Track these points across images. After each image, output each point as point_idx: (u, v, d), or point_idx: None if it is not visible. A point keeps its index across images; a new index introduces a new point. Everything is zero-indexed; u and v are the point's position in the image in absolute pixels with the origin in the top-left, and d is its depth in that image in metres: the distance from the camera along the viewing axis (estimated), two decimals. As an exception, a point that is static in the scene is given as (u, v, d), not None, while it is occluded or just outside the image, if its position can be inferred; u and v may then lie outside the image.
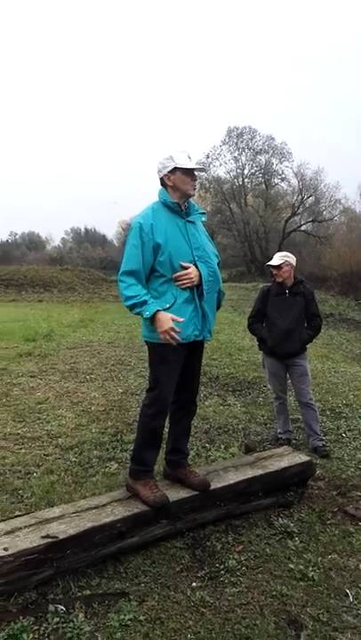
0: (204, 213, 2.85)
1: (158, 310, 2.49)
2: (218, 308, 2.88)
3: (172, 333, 2.46)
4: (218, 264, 2.81)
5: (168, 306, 2.56)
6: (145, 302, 2.51)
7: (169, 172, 2.64)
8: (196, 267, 2.61)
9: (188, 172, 2.65)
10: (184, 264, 2.58)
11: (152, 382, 2.73)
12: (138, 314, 2.56)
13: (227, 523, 2.77)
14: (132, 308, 2.56)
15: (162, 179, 2.69)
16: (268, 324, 4.13)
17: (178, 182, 2.64)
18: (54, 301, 19.05)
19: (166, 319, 2.47)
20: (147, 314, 2.49)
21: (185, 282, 2.58)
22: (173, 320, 2.47)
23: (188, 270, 2.59)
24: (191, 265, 2.60)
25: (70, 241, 56.29)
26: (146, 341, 2.75)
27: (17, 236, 53.97)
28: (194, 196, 2.77)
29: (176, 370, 2.68)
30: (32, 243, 53.78)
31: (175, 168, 2.62)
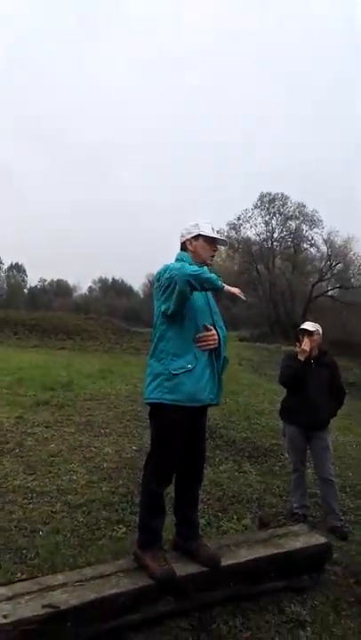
0: None
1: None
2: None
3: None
4: None
5: (190, 367, 2.52)
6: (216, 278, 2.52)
7: (192, 237, 2.74)
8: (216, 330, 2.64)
9: (211, 242, 2.75)
10: (208, 325, 2.60)
11: (156, 446, 2.66)
12: (206, 281, 2.47)
13: (235, 604, 2.63)
14: (198, 278, 2.44)
15: (183, 243, 2.79)
16: (293, 393, 4.08)
17: (199, 249, 2.73)
18: (76, 349, 19.23)
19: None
20: (219, 283, 2.51)
21: (209, 342, 2.58)
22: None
23: (212, 332, 2.60)
24: (212, 327, 2.62)
25: (97, 290, 57.47)
26: (151, 403, 2.60)
27: (46, 283, 55.46)
28: (211, 265, 2.77)
29: (183, 435, 2.62)
30: (60, 289, 55.08)
31: (199, 235, 2.73)
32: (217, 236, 2.80)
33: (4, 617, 1.97)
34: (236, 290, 2.63)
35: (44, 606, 2.07)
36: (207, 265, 2.76)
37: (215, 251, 2.79)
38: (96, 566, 2.58)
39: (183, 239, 2.79)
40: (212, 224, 2.81)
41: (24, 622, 1.98)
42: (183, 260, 2.71)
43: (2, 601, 2.09)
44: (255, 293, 37.35)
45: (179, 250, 2.82)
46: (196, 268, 2.50)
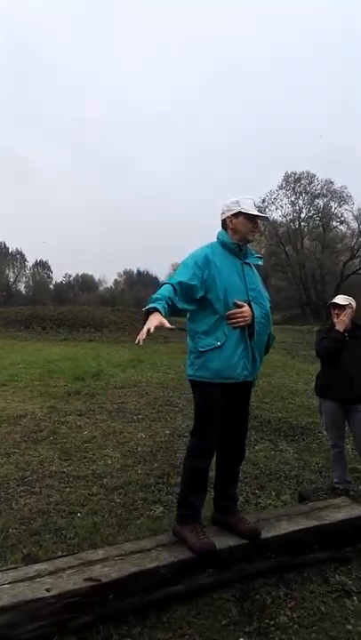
0: (260, 257, 2.87)
1: (157, 310, 2.31)
2: (266, 351, 2.81)
3: (144, 333, 2.25)
4: (270, 308, 2.77)
5: (219, 344, 2.54)
6: (157, 300, 2.37)
7: (233, 214, 2.69)
8: (250, 307, 2.59)
9: (251, 219, 2.70)
10: (238, 302, 2.56)
11: (196, 423, 2.67)
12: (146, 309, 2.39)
13: (278, 575, 2.58)
14: (145, 305, 2.39)
15: (224, 220, 2.74)
16: (328, 367, 3.97)
17: (239, 226, 2.68)
18: (104, 341, 19.33)
19: (156, 318, 2.28)
20: (147, 307, 2.34)
21: (238, 320, 2.55)
22: (161, 326, 2.28)
23: (243, 309, 2.56)
24: (245, 304, 2.58)
25: (123, 283, 57.62)
26: (190, 380, 2.70)
27: (71, 278, 55.70)
28: (252, 241, 2.80)
29: (221, 411, 2.61)
30: (85, 284, 55.41)
31: (240, 212, 2.67)
32: (258, 213, 2.75)
33: (47, 590, 1.98)
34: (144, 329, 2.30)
35: (85, 579, 2.07)
36: (248, 241, 2.75)
37: (256, 227, 2.74)
38: (135, 542, 2.58)
39: (223, 216, 2.74)
40: (254, 200, 2.76)
41: (67, 595, 1.99)
42: (220, 239, 2.70)
43: (44, 575, 2.10)
44: (285, 276, 36.73)
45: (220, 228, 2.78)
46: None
